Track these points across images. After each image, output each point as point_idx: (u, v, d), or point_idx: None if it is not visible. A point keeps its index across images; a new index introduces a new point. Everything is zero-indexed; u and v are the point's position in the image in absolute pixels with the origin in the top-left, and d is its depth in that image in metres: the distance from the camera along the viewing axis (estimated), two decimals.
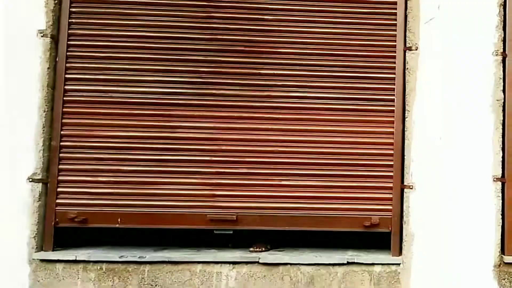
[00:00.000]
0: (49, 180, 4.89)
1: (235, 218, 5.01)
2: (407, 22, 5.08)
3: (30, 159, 4.83)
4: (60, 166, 4.95)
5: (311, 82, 5.10)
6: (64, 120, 4.98)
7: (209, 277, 4.82)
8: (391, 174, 5.04)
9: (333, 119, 5.10)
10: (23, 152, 4.83)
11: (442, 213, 4.87)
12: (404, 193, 4.95)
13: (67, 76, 5.00)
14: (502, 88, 4.95)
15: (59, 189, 4.94)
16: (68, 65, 5.00)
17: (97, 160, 5.01)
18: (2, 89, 4.87)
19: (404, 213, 4.94)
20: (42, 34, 4.91)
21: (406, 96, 5.01)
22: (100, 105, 5.03)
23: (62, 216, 4.93)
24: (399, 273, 4.85)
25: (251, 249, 5.13)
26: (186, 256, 4.82)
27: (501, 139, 4.93)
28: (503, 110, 4.94)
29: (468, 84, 4.98)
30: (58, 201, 4.93)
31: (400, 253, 4.93)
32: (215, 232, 5.12)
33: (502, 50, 4.99)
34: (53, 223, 4.89)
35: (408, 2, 5.08)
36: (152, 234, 5.36)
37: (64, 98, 4.99)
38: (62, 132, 4.96)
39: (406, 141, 4.98)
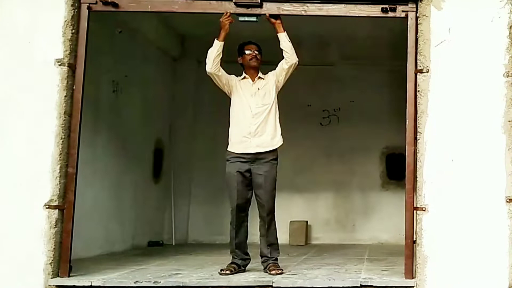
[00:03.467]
0: (65, 206, 4.95)
1: (259, 2, 5.22)
2: (418, 45, 5.10)
3: (47, 186, 4.89)
4: None
5: None
6: None
7: None
8: None
9: None
10: (40, 179, 4.90)
11: (455, 235, 4.86)
12: (417, 215, 4.94)
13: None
14: None
15: None
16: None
17: None
18: (19, 117, 4.96)
19: (417, 235, 4.93)
20: (59, 63, 5.00)
21: (418, 118, 5.02)
22: None
23: (97, 1, 5.15)
24: None
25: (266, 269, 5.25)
26: (201, 281, 4.85)
27: None
28: None
29: (479, 106, 4.98)
30: None
31: (413, 276, 4.91)
32: (240, 20, 5.31)
33: None
34: (87, 8, 5.09)
35: (419, 25, 5.11)
36: None
37: None
38: None
39: (418, 163, 4.98)
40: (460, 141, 4.95)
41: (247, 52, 5.47)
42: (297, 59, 5.44)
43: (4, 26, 5.04)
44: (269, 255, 5.40)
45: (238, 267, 5.36)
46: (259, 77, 5.50)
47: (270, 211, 5.39)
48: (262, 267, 5.42)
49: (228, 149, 5.45)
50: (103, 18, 6.16)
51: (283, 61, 5.45)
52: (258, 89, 5.45)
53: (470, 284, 4.81)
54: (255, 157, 5.36)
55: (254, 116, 5.38)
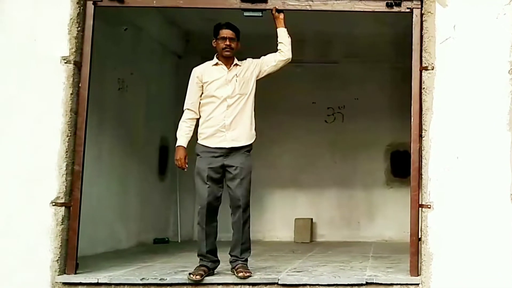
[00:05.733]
0: (71, 204, 4.96)
1: None
2: (423, 42, 5.10)
3: (53, 183, 4.91)
4: None
5: None
6: None
7: None
8: None
9: None
10: (46, 176, 4.92)
11: (461, 232, 4.86)
12: (422, 213, 4.95)
13: None
14: None
15: None
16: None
17: None
18: (25, 114, 4.99)
19: (422, 232, 4.94)
20: (65, 61, 5.01)
21: (422, 116, 5.02)
22: None
23: None
24: None
25: None
26: (206, 278, 4.85)
27: None
28: None
29: (484, 103, 4.98)
30: None
31: (418, 273, 4.92)
32: (245, 15, 5.26)
33: None
34: (92, 3, 5.13)
35: (423, 22, 5.11)
36: None
37: None
38: None
39: (423, 161, 4.98)
40: (465, 138, 4.95)
41: (220, 39, 5.03)
42: (291, 56, 5.16)
43: (10, 24, 5.07)
44: (239, 255, 5.01)
45: (208, 270, 4.96)
46: (235, 64, 5.08)
47: (246, 206, 5.00)
48: (230, 267, 5.06)
49: (199, 142, 5.02)
50: (108, 16, 6.17)
51: (277, 54, 5.13)
52: (236, 75, 5.03)
53: (475, 281, 4.80)
54: (229, 151, 4.97)
55: (229, 107, 4.98)
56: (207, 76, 5.04)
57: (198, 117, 5.06)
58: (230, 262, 5.07)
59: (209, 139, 4.98)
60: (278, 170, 9.67)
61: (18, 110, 4.99)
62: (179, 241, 9.10)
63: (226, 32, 5.03)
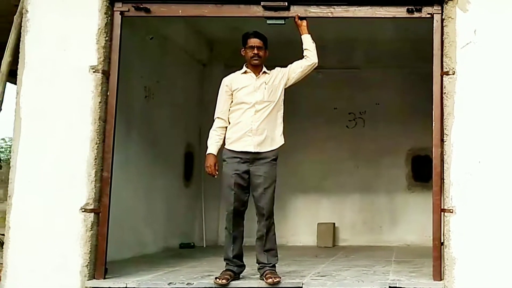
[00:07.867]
0: (100, 210, 5.08)
1: (286, 5, 5.28)
2: (444, 47, 5.13)
3: (82, 190, 5.02)
4: None
5: None
6: None
7: None
8: None
9: None
10: (76, 183, 5.04)
11: (484, 236, 4.87)
12: (444, 217, 4.97)
13: None
14: None
15: None
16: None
17: None
18: (55, 122, 5.12)
19: (444, 237, 4.96)
20: (94, 70, 5.12)
21: (444, 120, 5.05)
22: None
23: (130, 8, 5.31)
24: None
25: None
26: (232, 282, 4.93)
27: None
28: None
29: (506, 107, 5.00)
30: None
31: (441, 277, 4.95)
32: (268, 23, 5.34)
33: None
34: (119, 14, 5.25)
35: (444, 27, 5.14)
36: None
37: None
38: None
39: (445, 165, 5.01)
40: (487, 142, 4.97)
41: (249, 48, 5.14)
42: (317, 61, 5.21)
43: (41, 34, 5.19)
44: (266, 262, 5.07)
45: (234, 274, 5.06)
46: (264, 72, 5.17)
47: (270, 214, 5.07)
48: (259, 274, 5.11)
49: (226, 147, 5.11)
50: (135, 26, 6.30)
51: (303, 60, 5.20)
52: (266, 83, 5.12)
53: (498, 285, 4.81)
54: (255, 157, 5.04)
55: (257, 113, 5.06)
56: (236, 83, 5.14)
57: (228, 125, 5.15)
58: (258, 269, 5.14)
59: (236, 143, 5.06)
60: (301, 175, 9.73)
61: (48, 118, 5.12)
62: (204, 245, 9.20)
63: (254, 41, 5.14)
